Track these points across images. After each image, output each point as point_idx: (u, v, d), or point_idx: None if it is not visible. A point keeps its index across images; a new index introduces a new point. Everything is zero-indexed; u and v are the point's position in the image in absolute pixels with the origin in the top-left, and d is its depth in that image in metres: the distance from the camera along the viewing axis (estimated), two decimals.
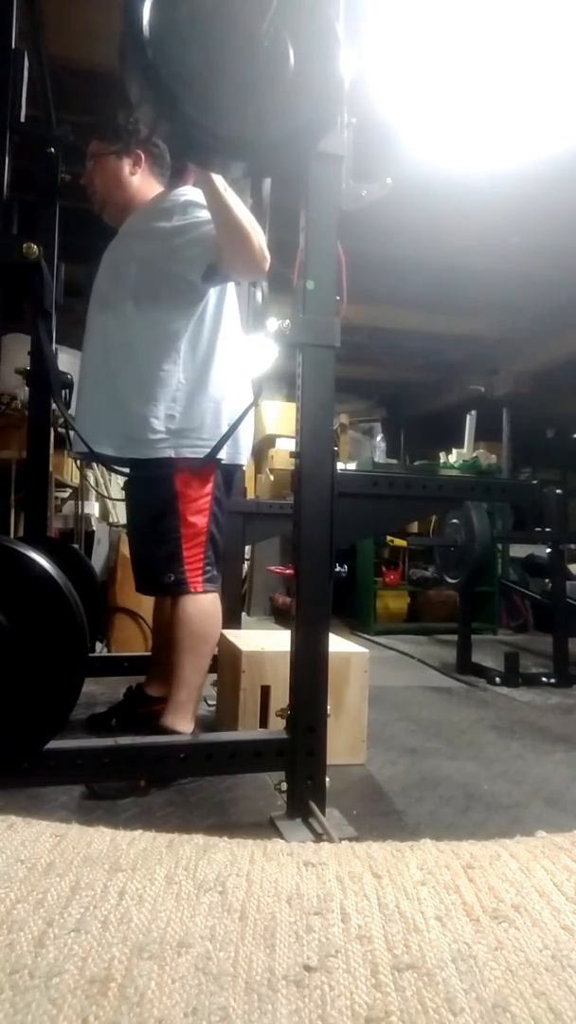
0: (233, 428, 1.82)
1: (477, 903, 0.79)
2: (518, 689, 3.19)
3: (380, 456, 6.75)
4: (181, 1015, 0.61)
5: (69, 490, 4.26)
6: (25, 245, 1.46)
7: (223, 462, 1.89)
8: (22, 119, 1.64)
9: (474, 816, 1.70)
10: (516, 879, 0.85)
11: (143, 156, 1.98)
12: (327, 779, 1.51)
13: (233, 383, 1.92)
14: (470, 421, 5.42)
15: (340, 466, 1.87)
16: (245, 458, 2.00)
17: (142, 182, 2.00)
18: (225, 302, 1.92)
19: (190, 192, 1.86)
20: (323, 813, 1.47)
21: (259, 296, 2.32)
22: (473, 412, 5.52)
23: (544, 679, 3.32)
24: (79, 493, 4.12)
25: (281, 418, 5.36)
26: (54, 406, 2.33)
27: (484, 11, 2.61)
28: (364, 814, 1.65)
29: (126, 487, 2.08)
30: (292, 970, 0.67)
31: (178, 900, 0.77)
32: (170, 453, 1.82)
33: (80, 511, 4.01)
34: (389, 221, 3.78)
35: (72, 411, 2.00)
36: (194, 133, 1.26)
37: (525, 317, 5.75)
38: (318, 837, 1.41)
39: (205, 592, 1.86)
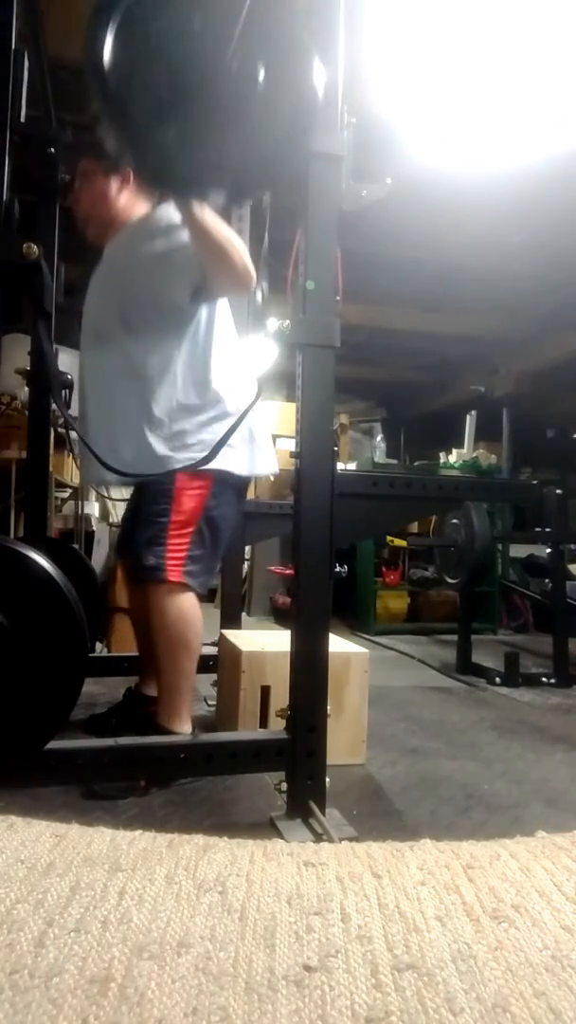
0: (230, 432, 1.80)
1: (477, 903, 0.79)
2: (518, 689, 3.19)
3: (380, 456, 6.75)
4: (181, 1015, 0.61)
5: (69, 490, 4.26)
6: (25, 245, 1.45)
7: (234, 473, 1.87)
8: (22, 119, 1.64)
9: (474, 816, 1.70)
10: (516, 879, 0.85)
11: (132, 174, 1.97)
12: (327, 779, 1.51)
13: (236, 395, 1.91)
14: (470, 421, 5.42)
15: (340, 466, 1.86)
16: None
17: (128, 201, 1.99)
18: (216, 314, 1.92)
19: (173, 212, 1.85)
20: (323, 813, 1.47)
21: (259, 296, 2.32)
22: (473, 412, 5.52)
23: (544, 679, 3.32)
24: (79, 493, 4.13)
25: (281, 418, 5.35)
26: (54, 406, 2.33)
27: (484, 11, 2.61)
28: (364, 814, 1.65)
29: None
30: (292, 970, 0.67)
31: (178, 900, 0.77)
32: (177, 466, 1.82)
33: (80, 511, 4.01)
34: (389, 221, 3.79)
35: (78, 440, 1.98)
36: (162, 164, 1.25)
37: (525, 317, 5.75)
38: (318, 837, 1.41)
39: (182, 586, 1.81)
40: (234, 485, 1.93)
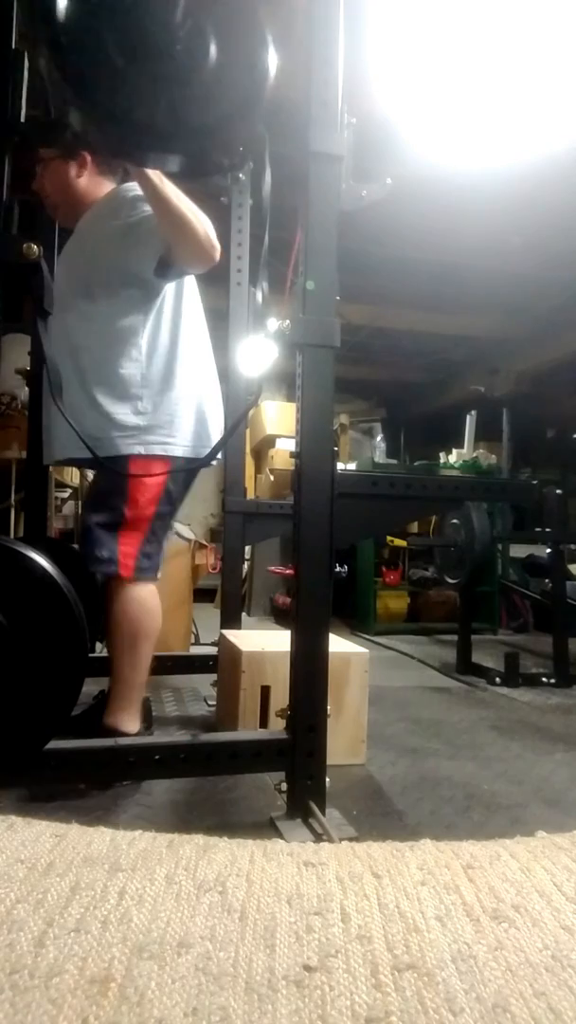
0: (232, 430, 1.82)
1: (477, 903, 0.79)
2: (518, 689, 3.19)
3: (380, 456, 6.74)
4: (181, 1015, 0.61)
5: (69, 490, 4.27)
6: (25, 245, 1.45)
7: (186, 458, 1.87)
8: (22, 119, 1.64)
9: (474, 816, 1.70)
10: (516, 879, 0.85)
11: (88, 157, 1.96)
12: (327, 779, 1.51)
13: (201, 379, 1.91)
14: (470, 421, 5.42)
15: (340, 466, 1.86)
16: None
17: (90, 183, 1.98)
18: (184, 298, 1.91)
19: (138, 187, 1.83)
20: (323, 813, 1.47)
21: (259, 296, 2.31)
22: (473, 412, 5.52)
23: (544, 679, 3.32)
24: (79, 493, 4.13)
25: (281, 418, 5.36)
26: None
27: (484, 10, 2.61)
28: (364, 814, 1.65)
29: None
30: (292, 970, 0.67)
31: (178, 900, 0.77)
32: (139, 450, 1.80)
33: (80, 511, 4.01)
34: (389, 221, 3.79)
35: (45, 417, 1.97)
36: (113, 128, 1.26)
37: (525, 317, 5.76)
38: (318, 837, 1.41)
39: (136, 581, 1.82)
40: (189, 470, 1.92)
